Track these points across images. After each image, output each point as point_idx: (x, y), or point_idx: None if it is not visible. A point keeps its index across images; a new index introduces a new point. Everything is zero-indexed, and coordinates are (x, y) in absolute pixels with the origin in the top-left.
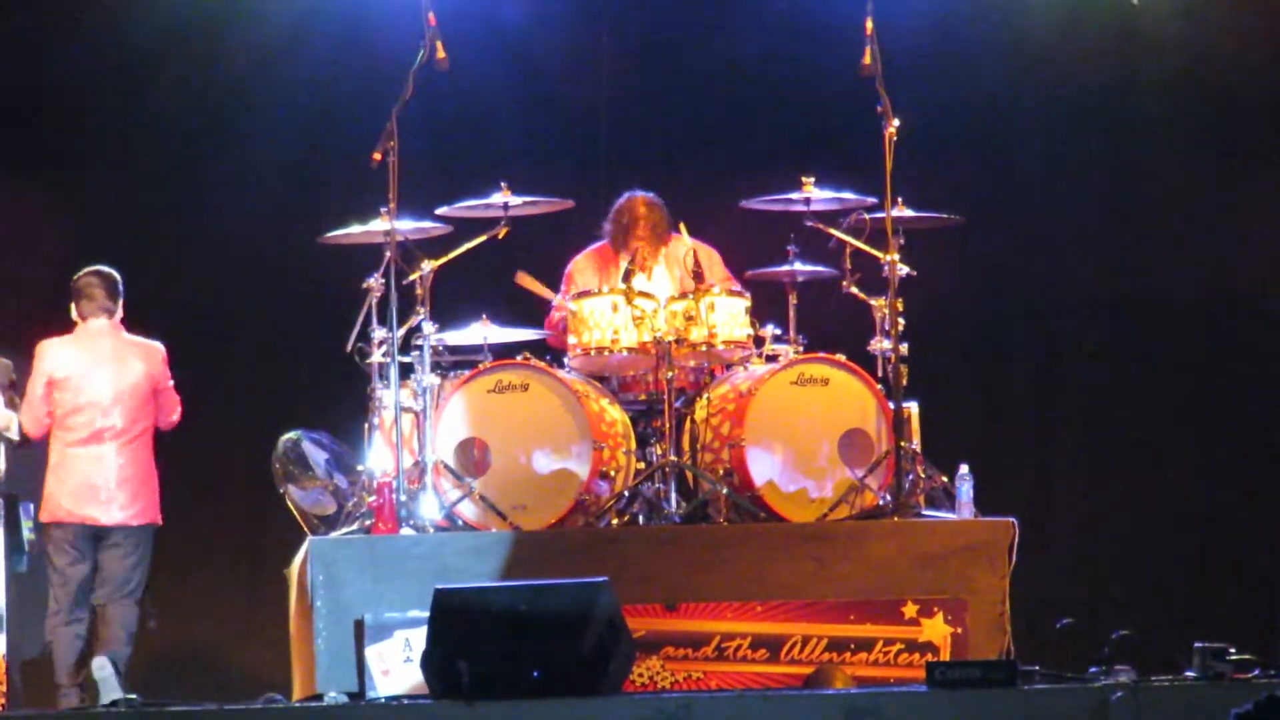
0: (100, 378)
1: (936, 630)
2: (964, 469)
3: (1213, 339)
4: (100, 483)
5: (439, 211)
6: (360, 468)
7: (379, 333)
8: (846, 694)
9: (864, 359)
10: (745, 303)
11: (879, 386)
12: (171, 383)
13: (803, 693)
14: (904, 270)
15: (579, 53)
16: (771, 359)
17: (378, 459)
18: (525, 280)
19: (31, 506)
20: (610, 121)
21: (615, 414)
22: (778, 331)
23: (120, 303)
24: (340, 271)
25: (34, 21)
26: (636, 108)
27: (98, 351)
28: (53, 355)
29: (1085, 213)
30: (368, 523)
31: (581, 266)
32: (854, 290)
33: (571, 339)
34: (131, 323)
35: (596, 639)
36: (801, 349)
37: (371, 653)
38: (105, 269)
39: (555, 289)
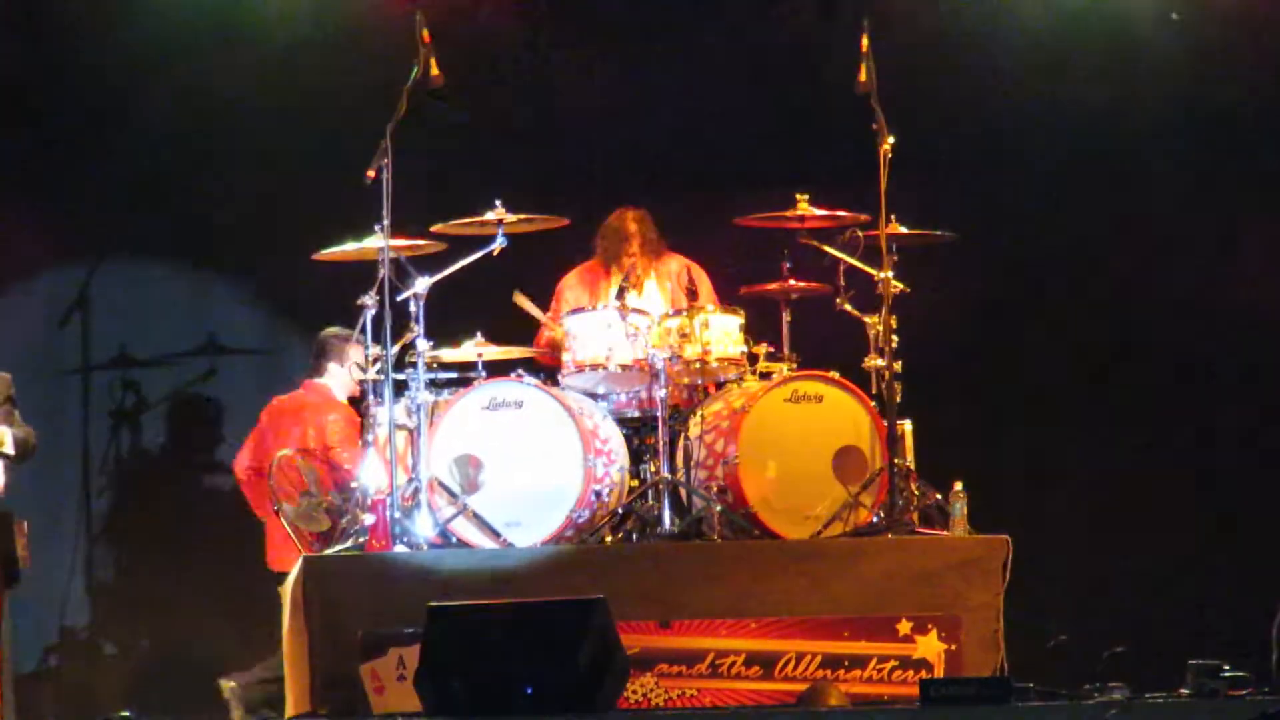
0: (277, 437)
1: (930, 647)
2: (958, 486)
3: (1209, 357)
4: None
5: (433, 228)
6: (354, 485)
7: (373, 350)
8: (840, 711)
9: (858, 376)
10: (739, 320)
11: (873, 403)
12: (337, 450)
13: (796, 710)
14: (898, 287)
15: (573, 70)
16: (765, 376)
17: (372, 476)
18: (521, 301)
19: (26, 524)
20: (604, 138)
21: (609, 430)
22: (771, 348)
23: (325, 363)
24: (334, 289)
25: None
26: (631, 125)
27: (284, 411)
28: (267, 410)
29: (1080, 230)
30: (362, 540)
31: (571, 284)
32: (848, 307)
33: (565, 356)
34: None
35: (590, 656)
36: (795, 366)
37: (365, 670)
38: (325, 332)
39: (547, 308)
